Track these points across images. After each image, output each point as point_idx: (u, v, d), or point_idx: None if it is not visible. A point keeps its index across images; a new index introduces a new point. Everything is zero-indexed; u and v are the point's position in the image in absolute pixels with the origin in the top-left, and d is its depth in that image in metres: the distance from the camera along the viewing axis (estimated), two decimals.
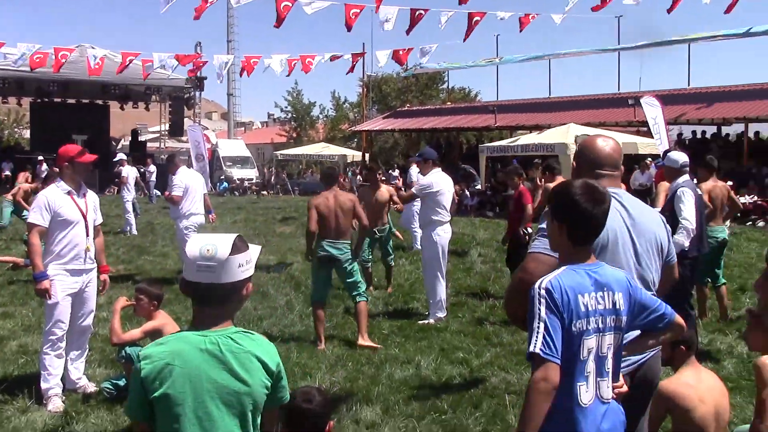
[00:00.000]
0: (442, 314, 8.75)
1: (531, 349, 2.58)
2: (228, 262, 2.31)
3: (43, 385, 5.73)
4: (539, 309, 2.60)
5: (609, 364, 2.74)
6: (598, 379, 2.70)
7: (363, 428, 5.35)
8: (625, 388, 2.86)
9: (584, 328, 2.64)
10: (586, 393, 2.67)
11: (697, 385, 4.28)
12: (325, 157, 36.69)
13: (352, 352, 7.34)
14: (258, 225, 19.30)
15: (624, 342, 2.84)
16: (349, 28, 15.60)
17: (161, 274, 11.66)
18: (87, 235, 5.83)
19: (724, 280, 8.74)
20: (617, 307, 2.73)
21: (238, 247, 2.37)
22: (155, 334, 5.12)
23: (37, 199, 5.85)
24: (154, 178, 27.22)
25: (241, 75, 27.18)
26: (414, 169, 16.05)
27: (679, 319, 2.95)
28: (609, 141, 3.42)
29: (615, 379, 2.80)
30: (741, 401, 5.90)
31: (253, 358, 2.38)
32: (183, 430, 2.29)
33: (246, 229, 18.03)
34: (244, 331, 2.45)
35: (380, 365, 6.87)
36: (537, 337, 2.57)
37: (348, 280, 7.86)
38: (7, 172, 30.37)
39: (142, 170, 28.71)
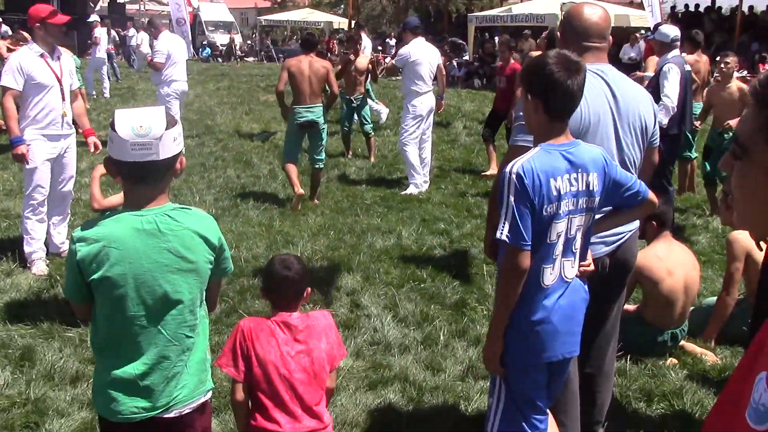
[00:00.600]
0: (419, 183, 8.82)
1: (498, 235, 2.56)
2: (164, 138, 2.22)
3: (26, 249, 5.79)
4: (508, 194, 2.55)
5: (577, 244, 2.72)
6: (563, 259, 2.69)
7: (343, 295, 5.48)
8: (591, 267, 2.85)
9: (555, 212, 2.59)
10: (550, 275, 2.66)
11: (666, 258, 4.39)
12: (311, 24, 35.65)
13: (334, 221, 7.41)
14: (242, 93, 18.97)
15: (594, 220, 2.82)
16: None
17: None
18: (63, 100, 5.68)
19: (696, 154, 8.74)
20: (591, 188, 2.67)
21: (170, 121, 2.28)
22: None
23: (9, 62, 5.64)
24: (134, 42, 26.42)
25: None
26: None
27: (652, 196, 2.91)
28: (597, 9, 3.24)
29: (582, 258, 2.79)
30: (712, 274, 6.09)
31: (194, 235, 2.34)
32: (126, 310, 2.27)
33: (230, 97, 17.78)
34: (182, 207, 2.38)
35: (362, 234, 6.97)
36: (505, 223, 2.54)
37: (317, 143, 8.14)
38: None
39: (122, 33, 27.77)
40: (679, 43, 7.03)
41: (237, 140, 11.86)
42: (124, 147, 2.21)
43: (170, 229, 2.29)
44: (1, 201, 7.75)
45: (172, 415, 2.37)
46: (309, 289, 3.10)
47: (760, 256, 4.28)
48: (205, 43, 35.63)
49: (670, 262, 4.39)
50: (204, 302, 2.46)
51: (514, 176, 2.56)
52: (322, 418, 3.06)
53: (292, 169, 8.00)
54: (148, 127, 2.20)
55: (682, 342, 4.67)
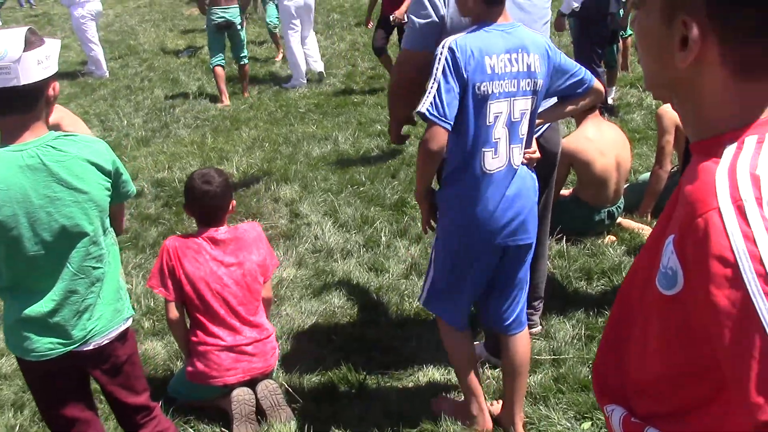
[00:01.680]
0: (299, 81, 9.11)
1: (419, 108, 2.49)
2: (23, 60, 2.02)
3: None
4: (437, 69, 2.47)
5: (523, 129, 2.63)
6: (512, 145, 2.61)
7: (282, 206, 5.41)
8: (537, 155, 2.79)
9: (490, 91, 2.50)
10: (493, 159, 2.59)
11: (596, 139, 4.39)
12: None
13: (268, 133, 7.25)
14: (164, 8, 18.17)
15: (539, 108, 2.74)
16: None
17: (63, 68, 11.03)
18: None
19: (630, 32, 8.69)
20: (532, 69, 2.57)
21: (31, 42, 2.07)
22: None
23: None
24: None
25: None
26: None
27: (598, 84, 2.84)
28: None
29: (528, 144, 2.73)
30: (647, 150, 6.15)
31: (84, 162, 2.18)
32: (26, 251, 2.13)
33: (152, 14, 17.01)
34: (66, 135, 2.21)
35: (297, 143, 6.84)
36: (428, 97, 2.47)
37: (237, 42, 8.59)
38: None
39: None
40: None
41: (162, 58, 11.41)
42: None
43: (56, 161, 2.13)
44: None
45: (90, 347, 2.30)
46: (234, 202, 3.02)
47: None
48: None
49: (601, 142, 4.39)
50: (109, 230, 2.34)
51: (446, 50, 2.47)
52: (262, 327, 3.05)
53: (220, 74, 8.51)
54: (4, 51, 2.00)
55: (619, 219, 4.73)
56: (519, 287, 2.87)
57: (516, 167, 2.66)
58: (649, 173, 5.00)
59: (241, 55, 8.69)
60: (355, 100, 8.38)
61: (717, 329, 0.89)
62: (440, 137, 2.51)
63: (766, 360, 0.84)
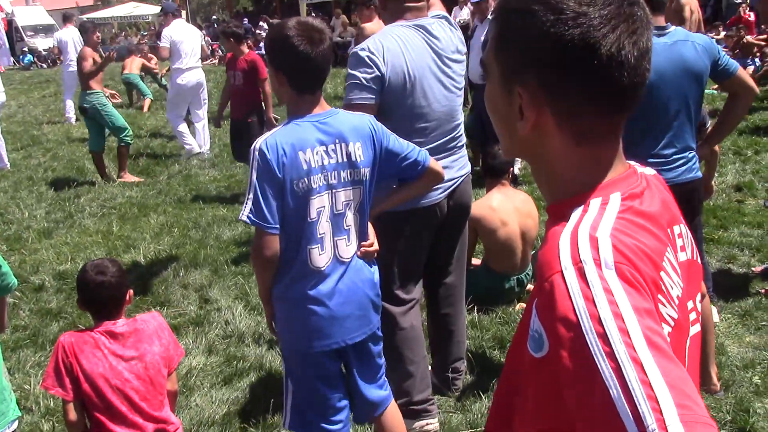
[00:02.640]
0: (190, 146, 9.74)
1: (240, 216, 2.45)
2: None
3: None
4: (251, 172, 2.42)
5: (348, 221, 2.56)
6: (336, 238, 2.54)
7: (192, 292, 5.27)
8: (375, 247, 2.70)
9: (309, 186, 2.44)
10: (320, 256, 2.51)
11: (500, 208, 4.49)
12: (138, 18, 34.20)
13: (177, 218, 7.12)
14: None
15: (371, 195, 2.65)
16: None
17: None
18: None
19: None
20: (353, 158, 2.51)
21: None
22: None
23: None
24: None
25: None
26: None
27: (435, 165, 2.80)
28: None
29: (362, 236, 2.65)
30: None
31: None
32: None
33: (57, 103, 16.72)
34: None
35: (207, 227, 6.74)
36: (248, 202, 2.41)
37: (108, 127, 8.81)
38: None
39: None
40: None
41: (68, 147, 11.17)
42: None
43: None
44: None
45: None
46: (131, 291, 2.92)
47: None
48: (25, 49, 33.32)
49: (504, 211, 4.49)
50: None
51: (257, 152, 2.42)
52: (168, 422, 2.91)
53: (98, 159, 8.95)
54: None
55: (529, 286, 4.81)
56: (378, 369, 2.82)
57: (345, 260, 2.58)
58: None
59: (120, 136, 8.87)
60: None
61: (567, 392, 0.89)
62: (271, 242, 2.45)
63: (609, 421, 0.83)
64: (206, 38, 23.33)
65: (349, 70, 3.06)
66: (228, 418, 3.64)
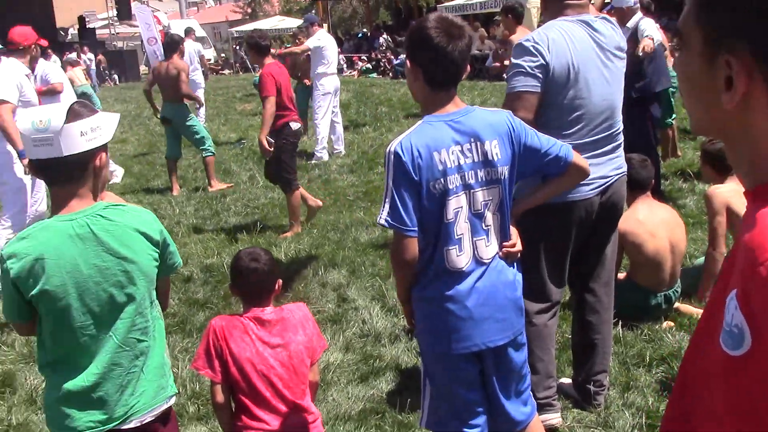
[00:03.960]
0: (321, 155, 10.26)
1: (378, 220, 2.43)
2: (65, 131, 2.05)
3: None
4: (387, 176, 2.40)
5: (487, 221, 2.50)
6: (475, 238, 2.48)
7: (329, 291, 5.37)
8: (518, 248, 2.61)
9: (445, 187, 2.39)
10: (458, 257, 2.46)
11: (647, 221, 4.29)
12: (282, 31, 35.54)
13: (317, 220, 7.30)
14: (218, 105, 18.85)
15: (512, 193, 2.57)
16: None
17: (120, 160, 11.41)
18: None
19: (673, 118, 8.60)
20: (490, 157, 2.44)
21: (77, 113, 2.10)
22: None
23: (8, 77, 5.38)
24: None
25: None
26: None
27: (580, 160, 2.69)
28: None
29: (503, 236, 2.57)
30: (702, 235, 5.98)
31: (133, 232, 2.19)
32: (73, 321, 2.13)
33: (209, 110, 17.62)
34: (115, 205, 2.23)
35: (345, 230, 6.86)
36: (385, 205, 2.40)
37: (190, 139, 9.23)
38: None
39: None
40: (639, 6, 6.95)
41: (215, 150, 11.71)
42: (28, 143, 2.08)
43: (105, 230, 2.14)
44: None
45: (132, 425, 2.24)
46: (280, 281, 2.99)
47: (740, 206, 4.19)
48: None
49: (652, 224, 4.29)
50: (155, 303, 2.32)
51: (391, 155, 2.39)
52: (308, 411, 2.96)
53: (169, 165, 9.30)
54: (47, 121, 2.05)
55: (677, 304, 4.57)
56: (521, 381, 2.70)
57: (485, 261, 2.51)
58: (704, 257, 4.85)
59: (201, 147, 9.25)
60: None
61: None
62: (409, 245, 2.42)
63: None
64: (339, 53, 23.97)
65: (513, 60, 3.06)
66: (364, 414, 3.66)
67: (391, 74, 25.40)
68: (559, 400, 3.49)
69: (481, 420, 2.63)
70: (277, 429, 2.88)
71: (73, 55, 18.66)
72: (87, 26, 38.79)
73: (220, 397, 2.88)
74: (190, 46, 13.68)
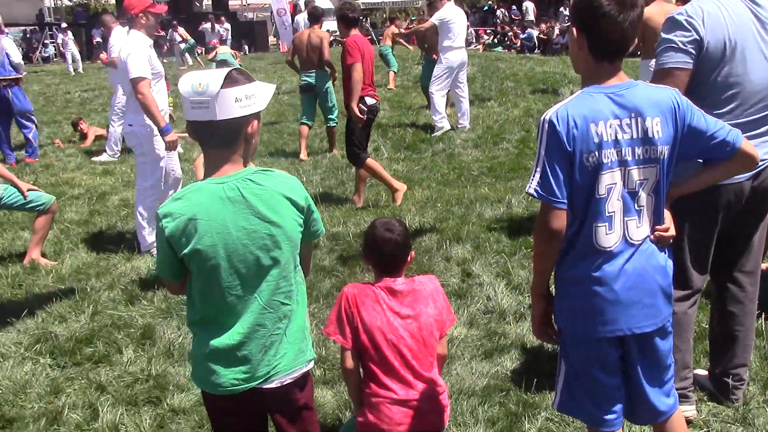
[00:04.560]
0: (442, 125, 10.28)
1: (527, 189, 2.34)
2: (221, 96, 2.11)
3: (148, 239, 5.91)
4: (540, 145, 2.31)
5: (641, 201, 2.37)
6: (626, 218, 2.36)
7: (453, 265, 5.35)
8: (671, 232, 2.47)
9: (599, 161, 2.28)
10: (607, 235, 2.34)
11: None
12: (409, 3, 35.51)
13: (441, 194, 7.28)
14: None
15: (670, 175, 2.42)
16: None
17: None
18: (168, 89, 5.79)
19: None
20: (650, 134, 2.31)
21: (234, 80, 2.16)
22: None
23: (136, 52, 5.48)
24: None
25: None
26: None
27: (747, 145, 2.49)
28: None
29: (656, 219, 2.43)
30: None
31: (280, 197, 2.24)
32: (221, 281, 2.21)
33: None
34: (263, 170, 2.28)
35: (470, 205, 6.81)
36: (535, 175, 2.31)
37: (324, 105, 9.64)
38: (98, 39, 30.84)
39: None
40: None
41: (341, 121, 11.87)
42: (186, 105, 2.16)
43: (254, 194, 2.20)
44: (121, 191, 8.06)
45: (273, 385, 2.31)
46: (413, 253, 2.99)
47: None
48: None
49: None
50: (298, 268, 2.37)
51: (546, 124, 2.29)
52: (435, 383, 2.96)
53: (303, 133, 9.57)
54: (206, 85, 2.11)
55: None
56: (666, 371, 2.57)
57: (635, 242, 2.38)
58: None
59: (328, 116, 9.65)
60: (529, 165, 8.26)
61: None
62: (558, 217, 2.31)
63: None
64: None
65: (663, 35, 2.91)
66: (488, 390, 3.63)
67: (516, 48, 24.92)
68: (694, 392, 3.35)
69: (617, 407, 2.53)
70: (404, 398, 2.90)
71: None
72: None
73: (349, 363, 2.93)
74: (302, 18, 14.15)
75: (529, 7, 29.41)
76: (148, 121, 5.57)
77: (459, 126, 10.53)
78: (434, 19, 10.03)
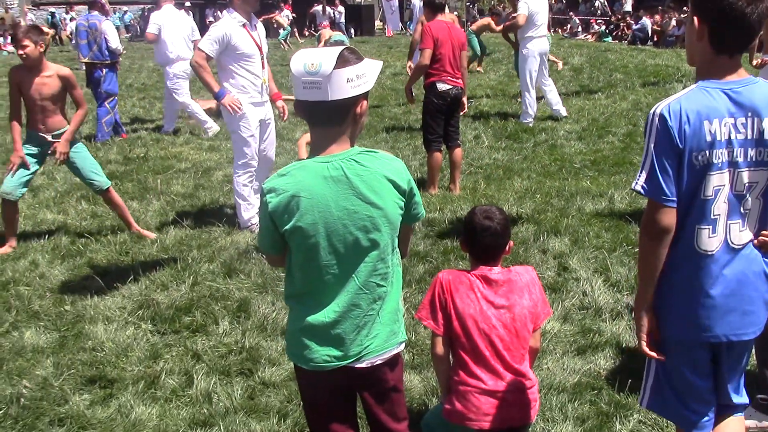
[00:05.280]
0: (528, 119, 10.16)
1: (633, 185, 2.24)
2: (333, 77, 2.10)
3: (245, 215, 6.06)
4: (648, 140, 2.20)
5: (748, 204, 2.26)
6: (730, 221, 2.25)
7: (550, 258, 5.24)
8: None
9: (709, 161, 2.17)
10: (710, 238, 2.23)
11: None
12: None
13: (540, 185, 7.14)
14: None
15: None
16: None
17: None
18: (263, 68, 5.88)
19: None
20: (766, 136, 2.19)
21: (346, 60, 2.14)
22: None
23: (213, 30, 5.73)
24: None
25: None
26: None
27: None
28: None
29: (762, 224, 2.31)
30: None
31: (382, 179, 2.22)
32: (319, 259, 2.22)
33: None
34: (368, 151, 2.27)
35: (570, 198, 6.65)
36: (642, 171, 2.21)
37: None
38: (210, 18, 31.80)
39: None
40: None
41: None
42: (297, 85, 2.16)
43: (357, 174, 2.20)
44: (224, 167, 8.29)
45: (364, 365, 2.32)
46: (512, 242, 2.94)
47: None
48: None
49: None
50: (396, 250, 2.36)
51: (656, 118, 2.18)
52: (526, 376, 2.91)
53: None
54: (318, 65, 2.11)
55: None
56: (743, 372, 2.49)
57: (736, 247, 2.26)
58: None
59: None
60: (635, 160, 7.99)
61: None
62: (667, 215, 2.20)
63: None
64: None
65: None
66: (579, 387, 3.55)
67: (628, 39, 24.12)
68: None
69: (706, 409, 2.45)
70: (493, 389, 2.86)
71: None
72: None
73: (440, 349, 2.91)
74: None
75: None
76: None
77: (559, 116, 10.36)
78: (522, 11, 9.80)
